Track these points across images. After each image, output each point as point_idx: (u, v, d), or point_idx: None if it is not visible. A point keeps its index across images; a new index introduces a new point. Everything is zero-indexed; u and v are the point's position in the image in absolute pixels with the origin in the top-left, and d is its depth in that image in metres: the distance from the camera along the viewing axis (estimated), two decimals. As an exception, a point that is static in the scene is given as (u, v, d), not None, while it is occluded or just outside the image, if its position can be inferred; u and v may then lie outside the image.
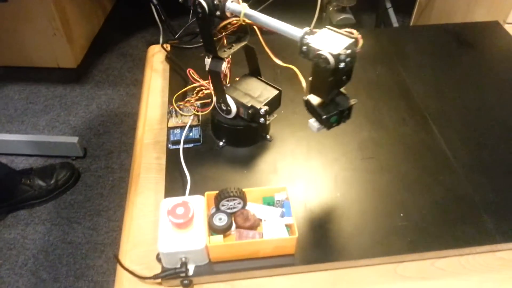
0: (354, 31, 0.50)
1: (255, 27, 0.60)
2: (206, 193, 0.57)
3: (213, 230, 0.55)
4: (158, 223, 0.55)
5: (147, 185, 0.68)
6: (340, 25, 0.91)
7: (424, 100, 0.78)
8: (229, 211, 0.56)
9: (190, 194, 0.61)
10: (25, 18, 1.52)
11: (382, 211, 0.61)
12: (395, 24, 1.76)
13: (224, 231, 0.55)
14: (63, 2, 1.56)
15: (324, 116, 0.54)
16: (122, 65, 1.71)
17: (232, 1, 0.57)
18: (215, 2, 0.56)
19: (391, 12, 1.77)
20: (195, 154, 0.69)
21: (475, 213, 0.60)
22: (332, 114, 0.55)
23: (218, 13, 0.58)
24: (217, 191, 0.56)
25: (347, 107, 0.56)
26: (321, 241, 0.57)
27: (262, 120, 0.65)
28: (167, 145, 0.70)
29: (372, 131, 0.72)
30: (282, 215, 0.56)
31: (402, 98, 0.79)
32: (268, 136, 0.71)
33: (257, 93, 0.67)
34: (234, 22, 0.60)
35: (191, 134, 0.71)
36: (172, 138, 0.70)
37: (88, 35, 1.80)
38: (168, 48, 0.92)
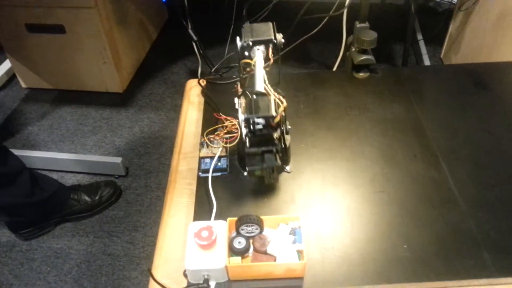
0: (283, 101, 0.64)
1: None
2: (228, 219, 0.65)
3: (233, 252, 0.63)
4: (186, 243, 0.63)
5: (180, 208, 0.77)
6: (361, 65, 0.99)
7: (436, 139, 0.83)
8: (247, 235, 0.64)
9: (215, 218, 0.70)
10: (79, 48, 1.69)
11: (387, 241, 0.67)
12: (425, 55, 1.80)
13: (242, 253, 0.63)
14: (114, 33, 1.72)
15: (247, 169, 0.70)
16: (164, 91, 1.84)
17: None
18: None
19: (421, 44, 1.82)
20: (222, 182, 0.78)
21: (475, 248, 0.65)
22: (254, 168, 0.68)
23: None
24: (238, 217, 0.64)
25: (270, 167, 0.68)
26: (328, 267, 0.64)
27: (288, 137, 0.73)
28: (198, 173, 0.80)
29: (384, 166, 0.79)
30: (294, 242, 0.63)
31: (415, 135, 0.85)
32: (287, 168, 0.79)
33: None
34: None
35: (219, 164, 0.80)
36: (202, 167, 0.79)
37: (134, 62, 1.96)
38: (204, 83, 1.02)
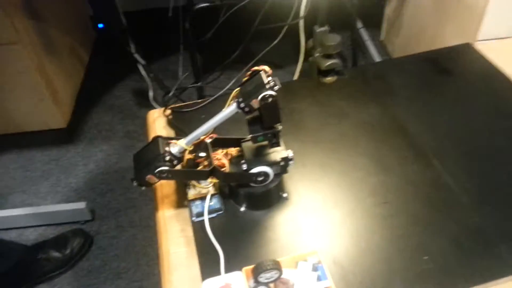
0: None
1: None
2: (244, 269, 0.61)
3: (258, 303, 0.58)
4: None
5: (179, 261, 0.71)
6: (328, 70, 0.96)
7: (419, 136, 0.84)
8: (267, 281, 0.60)
9: (225, 268, 0.65)
10: (10, 88, 1.53)
11: (406, 256, 0.65)
12: (368, 40, 1.84)
13: (268, 302, 0.59)
14: (45, 66, 1.58)
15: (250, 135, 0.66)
16: (112, 118, 1.73)
17: (173, 147, 0.67)
18: (167, 158, 0.66)
19: (363, 31, 1.85)
20: (220, 223, 0.72)
21: (491, 245, 0.65)
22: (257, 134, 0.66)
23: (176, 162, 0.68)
24: (254, 266, 0.60)
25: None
26: (356, 296, 0.61)
27: (291, 162, 0.70)
28: (191, 218, 0.74)
29: (379, 174, 0.77)
30: (319, 279, 0.60)
31: (399, 135, 0.84)
32: (285, 195, 0.75)
33: (255, 151, 0.71)
34: (189, 157, 0.71)
35: (212, 203, 0.75)
36: (195, 210, 0.73)
37: (72, 92, 1.81)
38: (167, 112, 0.96)
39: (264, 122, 0.63)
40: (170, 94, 1.05)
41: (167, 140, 0.70)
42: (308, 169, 0.80)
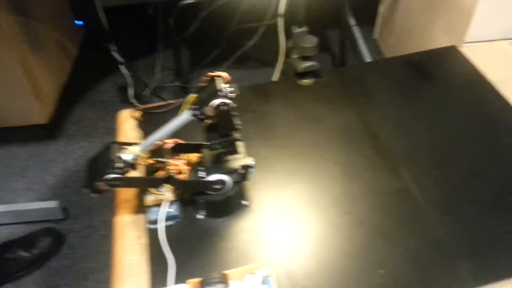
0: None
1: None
2: (190, 281, 0.57)
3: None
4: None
5: (131, 270, 0.67)
6: (306, 72, 0.93)
7: (392, 143, 0.80)
8: (214, 295, 0.57)
9: (176, 277, 0.62)
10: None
11: (362, 269, 0.62)
12: (360, 39, 1.79)
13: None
14: (28, 60, 1.54)
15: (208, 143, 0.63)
16: (94, 114, 1.69)
17: (127, 153, 0.64)
18: (118, 165, 0.63)
19: (356, 29, 1.81)
20: (177, 231, 0.69)
21: (450, 260, 0.62)
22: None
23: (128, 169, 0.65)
24: (200, 280, 0.57)
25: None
26: (309, 313, 0.58)
27: (252, 169, 0.67)
28: (147, 225, 0.70)
29: (346, 183, 0.74)
30: (268, 294, 0.57)
31: (371, 142, 0.81)
32: (245, 203, 0.72)
33: (215, 158, 0.67)
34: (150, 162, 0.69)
35: (170, 209, 0.71)
36: (151, 217, 0.70)
37: (56, 87, 1.78)
38: (139, 114, 0.92)
39: (220, 130, 0.59)
40: (145, 93, 1.01)
41: (122, 145, 0.66)
42: (274, 176, 0.76)
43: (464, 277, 0.60)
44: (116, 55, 1.22)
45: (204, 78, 0.61)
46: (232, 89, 0.58)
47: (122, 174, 0.63)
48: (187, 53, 1.59)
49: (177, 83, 1.30)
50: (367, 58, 1.69)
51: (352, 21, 1.84)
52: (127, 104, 1.72)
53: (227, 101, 0.56)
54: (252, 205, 0.72)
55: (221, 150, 0.63)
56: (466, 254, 0.63)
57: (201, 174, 0.65)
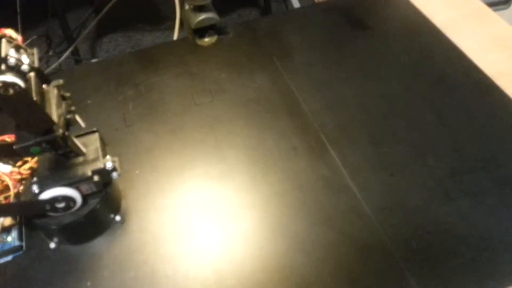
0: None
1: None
2: None
3: None
4: None
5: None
6: (204, 28, 0.71)
7: (318, 115, 0.61)
8: None
9: None
10: None
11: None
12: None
13: None
14: None
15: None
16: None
17: None
18: None
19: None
20: (18, 269, 0.48)
21: (395, 269, 0.46)
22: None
23: None
24: None
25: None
26: None
27: (115, 174, 0.46)
28: (-26, 264, 0.49)
29: (256, 173, 0.55)
30: None
31: (292, 116, 0.62)
32: (118, 218, 0.52)
33: (55, 163, 0.46)
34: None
35: (7, 238, 0.50)
36: (-23, 253, 0.49)
37: None
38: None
39: (24, 126, 0.37)
40: None
41: None
42: (158, 176, 0.56)
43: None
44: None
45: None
46: (32, 57, 0.35)
47: None
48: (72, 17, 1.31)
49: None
50: (296, 3, 1.48)
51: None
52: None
53: (17, 80, 0.34)
54: (128, 219, 0.52)
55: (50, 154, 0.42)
56: (414, 263, 0.46)
57: (34, 189, 0.44)
